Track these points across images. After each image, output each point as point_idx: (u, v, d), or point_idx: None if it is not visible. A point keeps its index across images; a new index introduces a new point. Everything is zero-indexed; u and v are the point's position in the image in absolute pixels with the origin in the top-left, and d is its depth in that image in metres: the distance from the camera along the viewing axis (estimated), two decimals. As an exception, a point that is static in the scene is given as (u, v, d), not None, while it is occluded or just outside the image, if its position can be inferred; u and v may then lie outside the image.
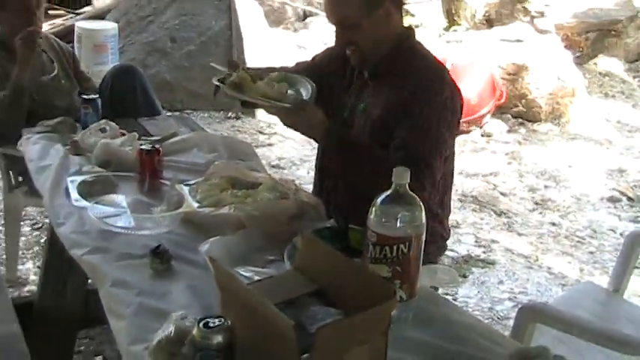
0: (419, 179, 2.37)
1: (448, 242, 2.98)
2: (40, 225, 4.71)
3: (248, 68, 2.78)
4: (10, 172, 3.89)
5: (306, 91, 2.64)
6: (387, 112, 2.59)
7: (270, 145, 6.03)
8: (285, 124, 2.66)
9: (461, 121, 2.74)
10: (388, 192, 1.82)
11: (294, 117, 2.57)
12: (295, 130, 2.66)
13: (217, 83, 2.59)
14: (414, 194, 1.83)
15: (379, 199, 1.82)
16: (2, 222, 4.41)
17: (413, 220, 1.82)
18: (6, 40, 3.79)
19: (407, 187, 1.82)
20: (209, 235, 2.19)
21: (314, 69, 2.92)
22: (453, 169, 2.84)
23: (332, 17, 2.65)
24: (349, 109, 2.74)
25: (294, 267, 1.92)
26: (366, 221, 1.88)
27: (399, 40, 2.67)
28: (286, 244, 2.14)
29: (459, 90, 2.70)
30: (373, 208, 1.83)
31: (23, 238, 4.38)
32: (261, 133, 6.43)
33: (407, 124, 2.53)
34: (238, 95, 2.57)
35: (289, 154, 5.83)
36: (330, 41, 2.76)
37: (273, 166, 5.53)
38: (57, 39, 4.12)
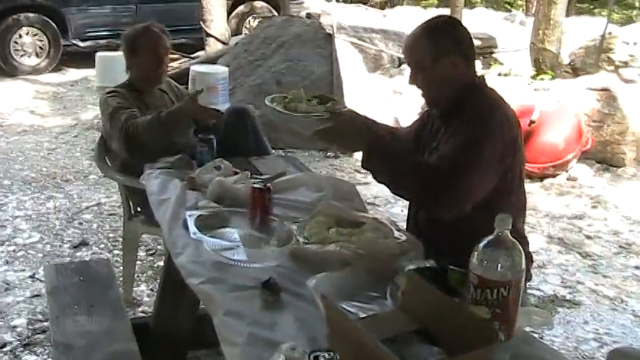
0: (453, 188, 2.43)
1: (535, 282, 2.90)
2: (153, 251, 4.80)
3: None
4: (130, 202, 3.98)
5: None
6: (448, 144, 2.60)
7: (366, 183, 6.00)
8: (324, 141, 2.83)
9: (519, 155, 2.69)
10: (490, 237, 1.80)
11: (331, 129, 2.66)
12: (337, 143, 2.73)
13: (268, 99, 2.88)
14: (514, 240, 1.80)
15: (482, 244, 1.80)
16: (121, 247, 4.51)
17: (513, 265, 1.79)
18: (134, 82, 3.90)
19: (508, 233, 1.79)
20: (316, 271, 2.18)
21: (413, 130, 3.00)
22: (524, 200, 2.79)
23: (406, 59, 2.78)
24: (428, 151, 2.77)
25: (397, 305, 1.89)
26: (456, 257, 1.90)
27: (468, 86, 2.69)
28: (388, 282, 2.11)
29: (515, 121, 2.68)
30: (475, 252, 1.81)
31: (138, 263, 4.46)
32: (357, 172, 6.42)
33: (452, 140, 2.57)
34: (271, 105, 2.84)
35: (384, 192, 5.68)
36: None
37: (369, 204, 5.49)
38: (175, 82, 4.21)
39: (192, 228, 2.47)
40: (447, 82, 2.67)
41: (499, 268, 1.78)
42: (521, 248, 1.80)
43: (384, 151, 2.60)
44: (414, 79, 2.73)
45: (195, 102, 3.60)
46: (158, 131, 3.54)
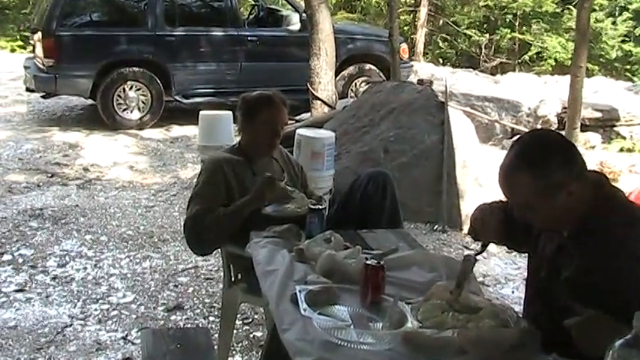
0: None
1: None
2: (250, 320, 4.82)
3: None
4: (231, 269, 4.01)
5: None
6: (595, 277, 2.29)
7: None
8: None
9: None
10: (628, 336, 1.75)
11: None
12: None
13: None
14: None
15: (618, 342, 1.75)
16: (217, 313, 4.55)
17: (652, 368, 1.73)
18: (244, 147, 3.96)
19: (647, 332, 1.74)
20: (430, 357, 2.17)
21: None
22: None
23: (506, 194, 2.44)
24: (546, 270, 2.53)
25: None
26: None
27: (593, 198, 2.36)
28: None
29: None
30: (610, 351, 1.76)
31: (234, 331, 4.47)
32: (466, 247, 6.32)
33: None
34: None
35: (494, 271, 5.67)
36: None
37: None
38: (286, 150, 4.24)
39: (302, 304, 2.49)
40: (565, 212, 2.36)
41: (636, 370, 1.73)
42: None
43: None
44: (522, 215, 2.45)
45: (264, 194, 3.65)
46: (224, 227, 3.65)
